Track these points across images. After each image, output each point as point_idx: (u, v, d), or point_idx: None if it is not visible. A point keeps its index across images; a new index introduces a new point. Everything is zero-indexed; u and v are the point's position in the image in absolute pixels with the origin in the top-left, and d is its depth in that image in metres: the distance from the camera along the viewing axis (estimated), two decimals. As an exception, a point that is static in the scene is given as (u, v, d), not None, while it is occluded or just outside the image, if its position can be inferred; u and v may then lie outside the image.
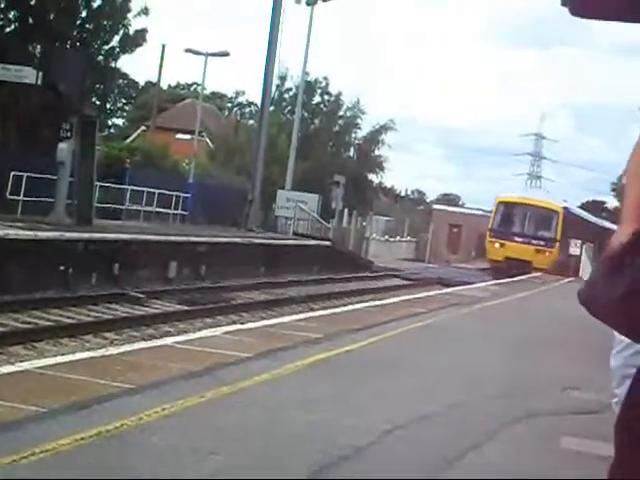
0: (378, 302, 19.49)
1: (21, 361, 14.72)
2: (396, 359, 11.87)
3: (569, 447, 8.12)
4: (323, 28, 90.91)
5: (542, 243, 49.46)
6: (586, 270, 45.38)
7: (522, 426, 8.65)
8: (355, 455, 6.81)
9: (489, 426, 8.38)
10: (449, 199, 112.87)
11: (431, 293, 24.34)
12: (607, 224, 67.88)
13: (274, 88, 53.93)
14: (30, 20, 36.85)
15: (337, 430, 7.50)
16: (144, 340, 17.67)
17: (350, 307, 17.76)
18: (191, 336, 11.48)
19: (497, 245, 50.10)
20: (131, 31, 39.56)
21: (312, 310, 24.01)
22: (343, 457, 6.68)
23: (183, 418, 7.27)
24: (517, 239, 49.75)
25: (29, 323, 18.89)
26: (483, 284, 30.85)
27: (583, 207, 76.28)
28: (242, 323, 13.17)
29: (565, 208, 53.41)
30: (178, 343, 10.91)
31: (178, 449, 6.38)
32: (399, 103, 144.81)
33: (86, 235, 25.53)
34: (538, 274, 44.21)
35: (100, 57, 39.23)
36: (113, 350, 9.85)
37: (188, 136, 53.73)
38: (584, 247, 52.34)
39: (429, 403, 9.04)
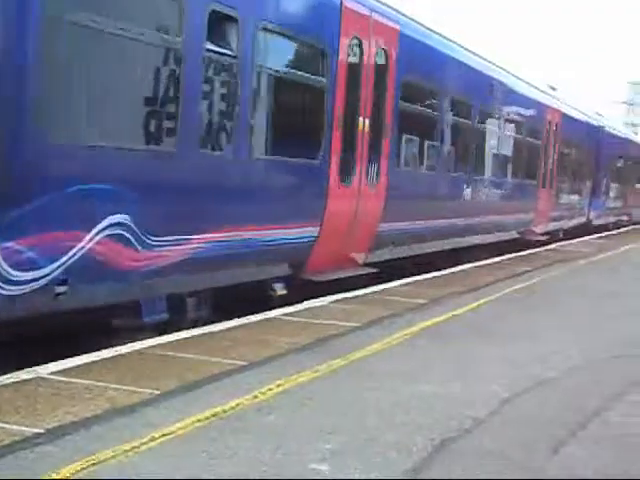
0: (481, 262, 19.20)
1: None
2: (506, 322, 11.64)
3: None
4: None
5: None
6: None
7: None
8: (475, 427, 6.63)
9: (610, 391, 8.13)
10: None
11: (534, 250, 23.91)
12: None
13: None
14: None
15: (454, 401, 7.34)
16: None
17: (454, 269, 17.50)
18: (298, 307, 11.38)
19: None
20: None
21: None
22: (464, 430, 6.51)
23: (299, 395, 7.15)
24: None
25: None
26: (587, 237, 30.26)
27: None
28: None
29: None
30: (285, 315, 10.83)
31: (297, 429, 6.27)
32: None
33: None
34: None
35: None
36: (220, 326, 9.80)
37: None
38: None
39: (546, 368, 8.81)
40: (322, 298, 12.16)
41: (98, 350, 8.13)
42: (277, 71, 11.37)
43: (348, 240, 13.59)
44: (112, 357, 8.02)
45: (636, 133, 69.57)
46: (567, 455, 6.16)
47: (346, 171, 13.22)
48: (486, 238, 21.30)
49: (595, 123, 33.77)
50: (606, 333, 11.22)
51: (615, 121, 47.51)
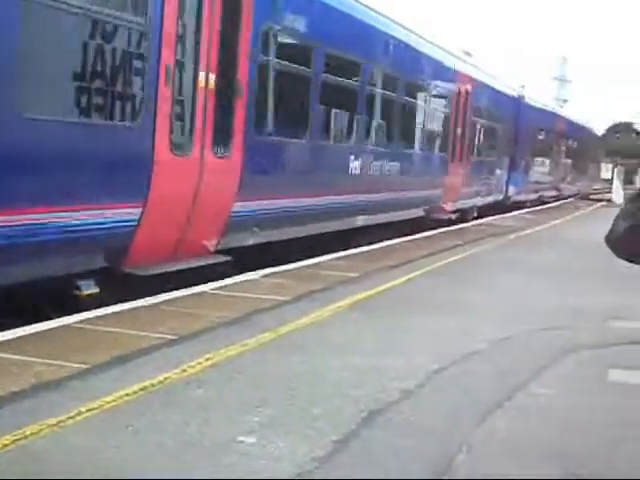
0: (412, 237, 19.30)
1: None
2: (437, 295, 11.73)
3: (617, 379, 7.99)
4: None
5: None
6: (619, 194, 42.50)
7: (569, 360, 8.51)
8: (404, 399, 6.69)
9: (537, 363, 8.23)
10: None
11: (467, 225, 24.10)
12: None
13: None
14: None
15: (384, 373, 7.39)
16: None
17: (386, 242, 17.60)
18: (228, 281, 11.36)
19: None
20: None
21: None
22: (392, 402, 6.57)
23: (228, 368, 7.16)
24: None
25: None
26: (516, 212, 30.60)
27: None
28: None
29: None
30: (216, 289, 10.81)
31: (225, 402, 6.28)
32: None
33: None
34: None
35: None
36: (152, 300, 9.75)
37: None
38: (615, 170, 43.56)
39: (474, 340, 8.90)
40: (254, 272, 12.15)
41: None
42: (63, 3, 8.37)
43: (189, 224, 10.95)
44: (39, 332, 7.96)
45: (562, 107, 69.86)
46: (492, 426, 6.23)
47: (181, 138, 10.73)
48: (384, 217, 18.81)
49: (514, 94, 32.42)
50: (535, 306, 11.35)
51: (546, 96, 47.76)
